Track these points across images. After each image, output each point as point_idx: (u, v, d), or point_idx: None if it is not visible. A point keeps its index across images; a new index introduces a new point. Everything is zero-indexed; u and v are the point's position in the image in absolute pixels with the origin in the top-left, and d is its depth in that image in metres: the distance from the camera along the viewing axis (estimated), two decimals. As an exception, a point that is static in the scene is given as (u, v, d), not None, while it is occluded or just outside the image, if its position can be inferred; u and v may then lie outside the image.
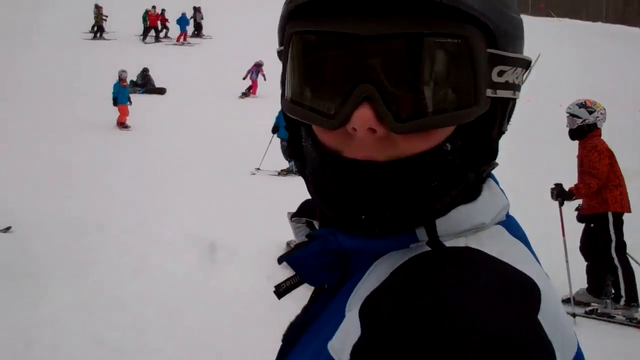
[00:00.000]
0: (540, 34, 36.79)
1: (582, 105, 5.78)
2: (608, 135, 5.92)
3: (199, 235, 6.87)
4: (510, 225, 0.74)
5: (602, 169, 5.57)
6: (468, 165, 0.70)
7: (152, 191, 8.59)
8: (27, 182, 8.84)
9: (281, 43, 0.74)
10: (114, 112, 14.33)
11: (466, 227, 0.69)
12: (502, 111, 0.72)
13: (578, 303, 5.66)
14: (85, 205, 7.92)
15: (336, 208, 0.69)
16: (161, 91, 17.70)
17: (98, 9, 27.03)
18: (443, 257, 0.64)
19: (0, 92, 15.79)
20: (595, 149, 5.65)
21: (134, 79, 18.20)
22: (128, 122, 14.32)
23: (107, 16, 27.06)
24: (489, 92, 0.67)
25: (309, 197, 0.77)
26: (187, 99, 17.32)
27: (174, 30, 27.90)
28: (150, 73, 18.81)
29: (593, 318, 5.46)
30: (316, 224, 0.82)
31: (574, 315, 5.36)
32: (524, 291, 0.60)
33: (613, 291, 5.62)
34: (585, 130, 5.75)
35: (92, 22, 27.38)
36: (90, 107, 15.19)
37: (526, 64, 0.73)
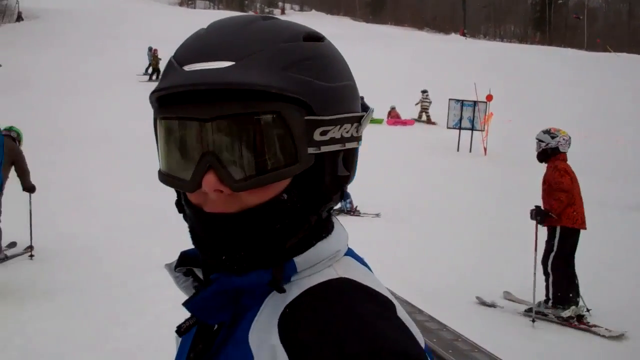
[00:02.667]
0: (597, 69, 36.16)
1: (547, 131, 6.72)
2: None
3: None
4: (352, 254, 0.93)
5: (565, 182, 6.42)
6: (309, 209, 0.85)
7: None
8: (48, 208, 8.88)
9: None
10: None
11: (326, 255, 0.86)
12: (330, 162, 0.85)
13: (538, 313, 6.46)
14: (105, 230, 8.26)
15: (205, 251, 0.85)
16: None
17: (153, 51, 27.60)
18: (338, 289, 0.81)
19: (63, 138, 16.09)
20: (556, 169, 6.52)
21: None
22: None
23: (161, 58, 27.42)
24: (312, 150, 0.81)
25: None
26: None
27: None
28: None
29: (529, 315, 6.39)
30: (198, 272, 0.92)
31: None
32: (389, 307, 0.81)
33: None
34: (549, 154, 6.64)
35: (145, 64, 28.24)
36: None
37: (357, 119, 0.88)
